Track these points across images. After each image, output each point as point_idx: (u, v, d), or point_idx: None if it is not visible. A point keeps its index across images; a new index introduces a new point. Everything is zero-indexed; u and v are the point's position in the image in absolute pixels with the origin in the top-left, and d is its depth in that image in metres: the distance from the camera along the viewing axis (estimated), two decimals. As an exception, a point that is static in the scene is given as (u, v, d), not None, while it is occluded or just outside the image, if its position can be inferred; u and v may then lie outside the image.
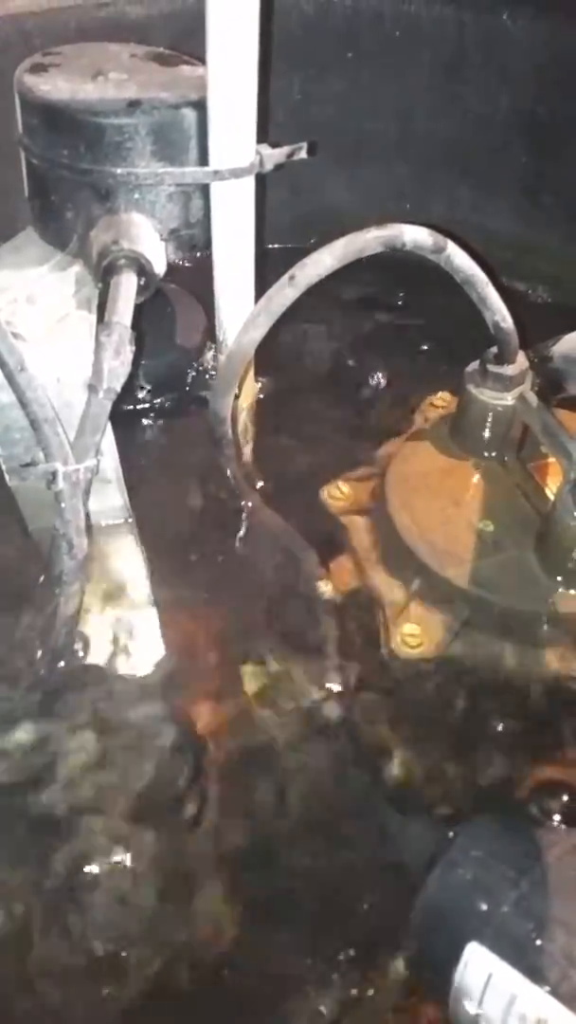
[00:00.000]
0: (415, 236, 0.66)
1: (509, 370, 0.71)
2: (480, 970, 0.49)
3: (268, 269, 0.74)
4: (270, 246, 1.01)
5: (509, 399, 0.72)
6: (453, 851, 0.53)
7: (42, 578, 0.69)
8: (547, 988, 0.47)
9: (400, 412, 0.85)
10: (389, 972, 0.57)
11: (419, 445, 0.78)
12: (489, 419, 0.74)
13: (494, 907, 0.50)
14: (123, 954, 0.57)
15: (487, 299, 0.69)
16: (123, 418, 0.65)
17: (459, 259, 0.67)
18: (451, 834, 0.54)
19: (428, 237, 0.66)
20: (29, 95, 0.71)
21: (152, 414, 0.93)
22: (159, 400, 0.94)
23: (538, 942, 0.48)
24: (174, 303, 0.95)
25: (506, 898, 0.50)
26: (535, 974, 0.48)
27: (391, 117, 1.14)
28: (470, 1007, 0.49)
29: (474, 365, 0.74)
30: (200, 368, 0.96)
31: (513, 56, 1.05)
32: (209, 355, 0.96)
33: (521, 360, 0.72)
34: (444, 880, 0.53)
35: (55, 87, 0.71)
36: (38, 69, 0.74)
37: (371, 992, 0.57)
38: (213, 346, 0.93)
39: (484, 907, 0.50)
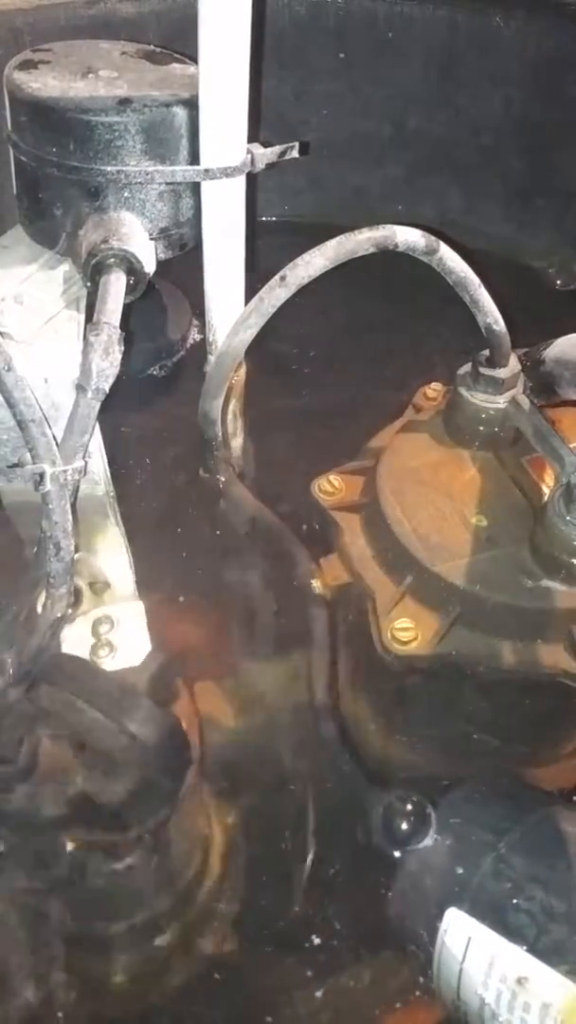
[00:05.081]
0: (407, 237, 0.66)
1: (501, 373, 0.71)
2: (460, 935, 0.49)
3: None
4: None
5: (501, 402, 0.72)
6: (431, 820, 0.54)
7: (33, 550, 0.68)
8: (525, 946, 0.47)
9: (392, 403, 0.84)
10: (380, 957, 0.58)
11: (412, 437, 0.77)
12: (481, 422, 0.73)
13: (472, 871, 0.50)
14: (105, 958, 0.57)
15: (479, 301, 0.69)
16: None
17: (451, 261, 0.67)
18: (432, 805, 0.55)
19: (420, 239, 0.66)
20: (18, 92, 0.70)
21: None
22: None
23: (515, 901, 0.49)
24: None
25: (484, 862, 0.51)
26: (514, 933, 0.48)
27: (383, 118, 1.14)
28: (452, 974, 0.49)
29: (466, 367, 0.73)
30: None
31: (505, 58, 1.05)
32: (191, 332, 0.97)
33: (513, 363, 0.72)
34: (422, 848, 0.53)
35: (45, 84, 0.71)
36: (27, 66, 0.73)
37: (364, 981, 0.57)
38: (197, 324, 0.94)
39: (462, 872, 0.51)
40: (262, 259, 0.79)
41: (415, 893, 0.52)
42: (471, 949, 0.49)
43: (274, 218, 1.20)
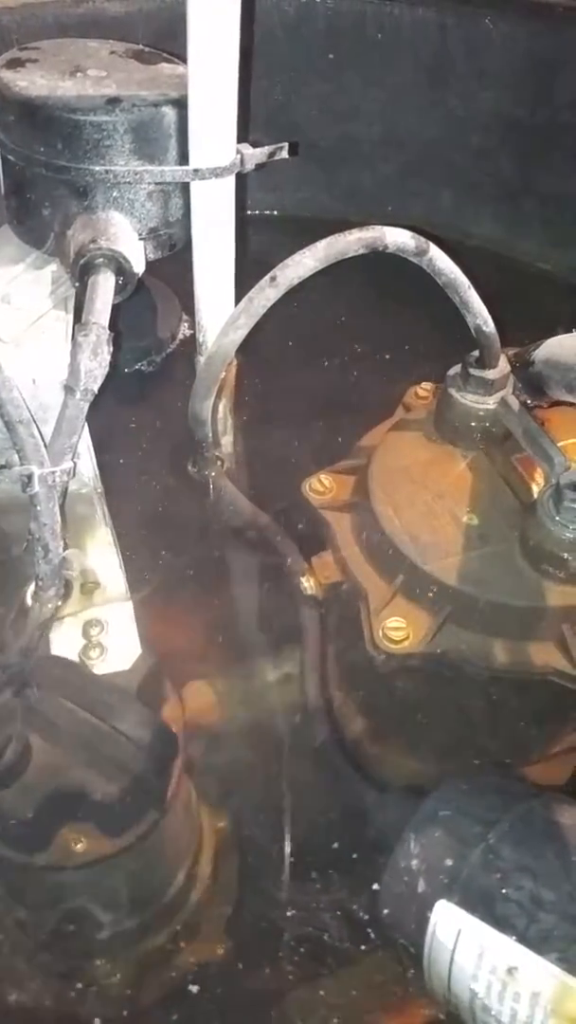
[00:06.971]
0: (397, 238, 0.66)
1: (491, 374, 0.71)
2: (450, 928, 0.49)
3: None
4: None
5: (491, 402, 0.72)
6: (421, 813, 0.53)
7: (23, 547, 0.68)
8: (515, 936, 0.47)
9: (383, 402, 0.84)
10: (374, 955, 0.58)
11: (402, 436, 0.77)
12: (471, 421, 0.73)
13: (461, 863, 0.50)
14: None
15: (469, 303, 0.69)
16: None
17: (441, 262, 0.67)
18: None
19: (410, 240, 0.66)
20: (5, 91, 0.70)
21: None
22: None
23: (504, 891, 0.48)
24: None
25: (473, 853, 0.50)
26: (503, 923, 0.47)
27: (372, 119, 1.14)
28: (443, 967, 0.49)
29: (456, 368, 0.73)
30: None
31: (495, 59, 1.05)
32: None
33: (503, 364, 0.72)
34: (412, 842, 0.52)
35: (32, 83, 0.70)
36: (15, 64, 0.73)
37: (358, 980, 0.57)
38: (187, 320, 0.94)
39: (451, 864, 0.50)
40: (253, 254, 0.79)
41: (405, 887, 0.52)
42: (461, 941, 0.48)
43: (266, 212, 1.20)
